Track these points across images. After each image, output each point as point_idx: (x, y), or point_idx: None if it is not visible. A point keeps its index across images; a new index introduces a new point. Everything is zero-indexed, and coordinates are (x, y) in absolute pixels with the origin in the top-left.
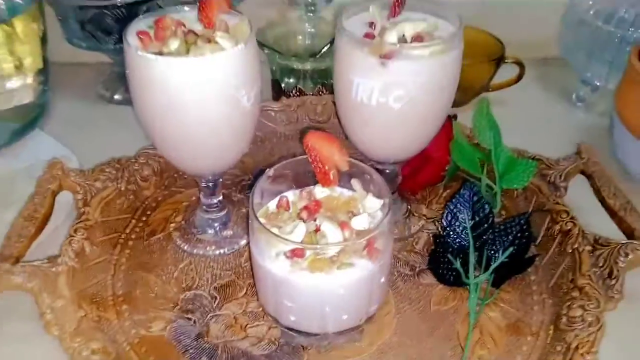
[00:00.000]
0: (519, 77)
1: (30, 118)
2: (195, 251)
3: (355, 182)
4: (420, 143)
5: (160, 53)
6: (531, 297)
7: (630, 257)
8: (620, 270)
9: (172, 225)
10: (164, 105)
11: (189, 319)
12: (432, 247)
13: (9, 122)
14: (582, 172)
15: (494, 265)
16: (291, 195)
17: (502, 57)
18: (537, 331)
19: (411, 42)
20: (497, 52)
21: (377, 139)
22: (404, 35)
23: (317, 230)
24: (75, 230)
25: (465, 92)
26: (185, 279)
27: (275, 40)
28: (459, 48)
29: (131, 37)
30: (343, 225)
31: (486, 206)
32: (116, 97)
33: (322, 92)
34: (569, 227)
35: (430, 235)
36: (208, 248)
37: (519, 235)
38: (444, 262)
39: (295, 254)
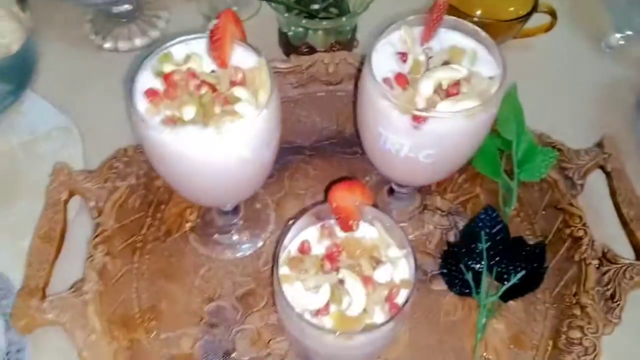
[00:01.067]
0: (550, 27)
1: (20, 75)
2: (214, 255)
3: (377, 224)
4: (449, 175)
5: (174, 119)
6: (534, 307)
7: (635, 279)
8: (622, 293)
9: (188, 224)
10: (181, 173)
11: (214, 334)
12: (445, 251)
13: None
14: (601, 168)
15: (503, 288)
16: (312, 232)
17: (535, 7)
18: (537, 345)
19: (447, 91)
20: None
21: (404, 176)
22: (440, 85)
23: (341, 282)
24: (95, 246)
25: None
26: (207, 287)
27: None
28: (500, 99)
29: (139, 100)
30: (366, 280)
31: (503, 229)
32: (107, 45)
33: (335, 48)
34: (580, 234)
35: (445, 233)
36: (226, 251)
37: (532, 261)
38: (455, 272)
39: (319, 312)
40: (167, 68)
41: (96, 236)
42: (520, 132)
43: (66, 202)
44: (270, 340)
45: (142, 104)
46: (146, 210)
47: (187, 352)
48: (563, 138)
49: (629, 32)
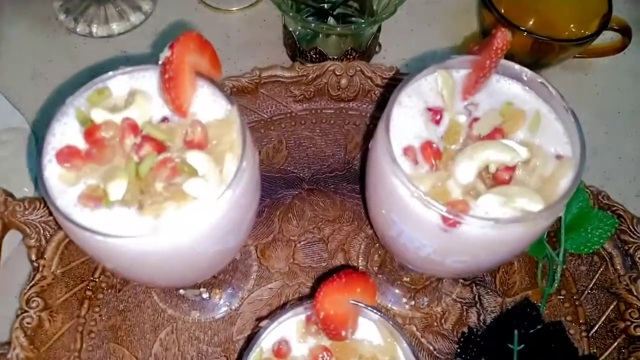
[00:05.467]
0: (621, 47)
1: None
2: (177, 315)
3: (380, 330)
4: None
5: (95, 197)
6: None
7: None
8: None
9: None
10: (113, 264)
11: None
12: (465, 336)
13: None
14: None
15: None
16: (293, 326)
17: (606, 22)
18: None
19: (495, 177)
20: (600, 10)
21: (423, 270)
22: (487, 167)
23: None
24: (28, 302)
25: (549, 57)
26: (166, 356)
27: None
28: (570, 197)
29: (49, 163)
30: None
31: (543, 331)
32: (79, 28)
33: (351, 56)
34: (638, 334)
35: (466, 310)
36: (193, 312)
37: None
38: None
39: None
40: (98, 116)
41: (31, 286)
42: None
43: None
44: None
45: (53, 169)
46: None
47: None
48: (625, 197)
49: None
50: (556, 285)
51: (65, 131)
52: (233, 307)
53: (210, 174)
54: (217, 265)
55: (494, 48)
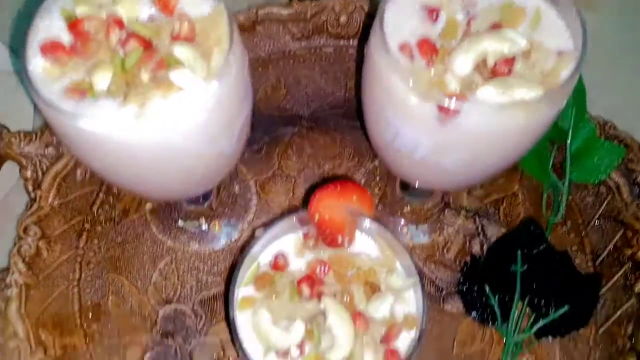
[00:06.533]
0: None
1: None
2: (176, 245)
3: (379, 243)
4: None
5: (81, 89)
6: (575, 345)
7: None
8: None
9: (149, 205)
10: (98, 162)
11: (169, 345)
12: (467, 264)
13: None
14: None
15: (539, 324)
16: (291, 241)
17: None
18: None
19: (494, 70)
20: None
21: (422, 180)
22: (484, 60)
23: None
24: (25, 230)
25: None
26: (165, 285)
27: None
28: (569, 94)
29: (34, 56)
30: (357, 316)
31: (546, 251)
32: None
33: None
34: None
35: (469, 240)
36: (192, 242)
37: (580, 297)
38: (477, 293)
39: (288, 354)
40: (82, 10)
41: (29, 215)
42: (579, 119)
43: None
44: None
45: (37, 62)
46: (98, 184)
47: None
48: (633, 128)
49: None
50: (561, 214)
51: (51, 27)
52: (233, 239)
53: (197, 66)
54: (212, 174)
55: None
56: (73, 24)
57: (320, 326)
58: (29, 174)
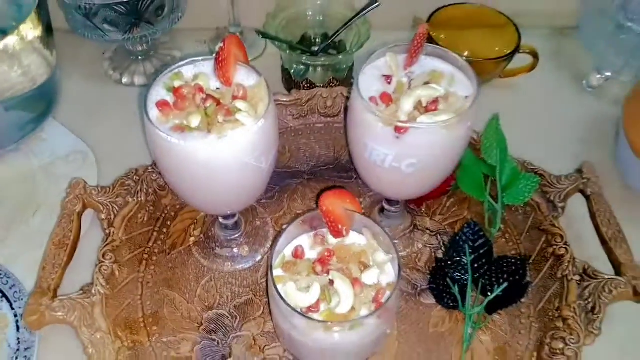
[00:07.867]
0: (532, 67)
1: (43, 105)
2: (215, 267)
3: (366, 232)
4: (432, 188)
5: (182, 127)
6: (519, 321)
7: (613, 293)
8: (602, 306)
9: (192, 239)
10: (185, 174)
11: (213, 339)
12: (434, 267)
13: (23, 112)
14: (581, 192)
15: (487, 299)
16: (305, 239)
17: (517, 48)
18: (522, 356)
19: (426, 107)
20: (513, 41)
21: (389, 189)
22: (420, 102)
23: (331, 283)
24: (104, 255)
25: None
26: (207, 297)
27: (287, 23)
28: (474, 116)
29: (151, 109)
30: (355, 282)
31: (486, 243)
32: (125, 80)
33: (333, 84)
34: (561, 253)
35: (434, 251)
36: (227, 264)
37: (514, 274)
38: (443, 287)
39: (310, 309)
40: (177, 84)
41: (106, 245)
42: (503, 159)
43: (80, 213)
44: (265, 346)
45: (153, 113)
46: (153, 225)
47: (186, 355)
48: (546, 168)
49: (608, 73)
50: (498, 227)
51: (157, 93)
52: (257, 260)
53: (251, 112)
54: (252, 184)
55: (418, 35)
56: (175, 90)
57: (330, 290)
58: (103, 216)
